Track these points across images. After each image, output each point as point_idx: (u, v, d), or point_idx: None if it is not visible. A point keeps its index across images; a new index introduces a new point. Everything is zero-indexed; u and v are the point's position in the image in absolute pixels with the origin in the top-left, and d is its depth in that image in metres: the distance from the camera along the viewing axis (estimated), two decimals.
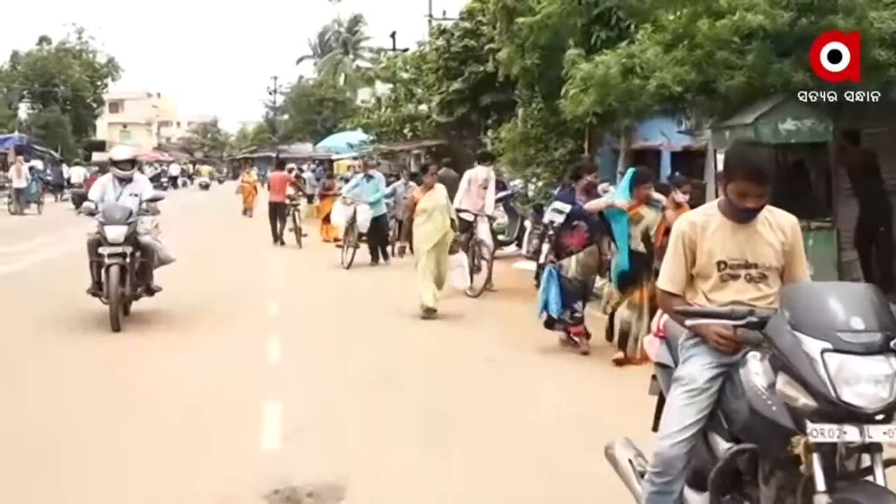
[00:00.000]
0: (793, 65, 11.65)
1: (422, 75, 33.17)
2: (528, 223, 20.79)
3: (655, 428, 5.40)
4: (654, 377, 5.59)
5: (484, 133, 26.97)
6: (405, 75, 36.03)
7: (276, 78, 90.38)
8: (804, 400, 3.96)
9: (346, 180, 26.11)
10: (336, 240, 21.92)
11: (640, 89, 12.82)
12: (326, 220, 24.55)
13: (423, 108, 33.51)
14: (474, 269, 15.52)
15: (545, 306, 10.87)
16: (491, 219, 16.86)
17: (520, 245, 20.52)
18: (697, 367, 4.66)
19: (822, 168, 13.20)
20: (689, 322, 4.58)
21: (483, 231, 15.99)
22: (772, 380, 4.24)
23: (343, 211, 20.47)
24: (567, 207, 10.86)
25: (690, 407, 4.63)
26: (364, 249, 20.50)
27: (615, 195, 10.72)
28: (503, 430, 7.81)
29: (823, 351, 3.91)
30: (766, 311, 4.39)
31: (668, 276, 4.81)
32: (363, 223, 20.07)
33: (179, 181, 71.23)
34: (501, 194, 20.22)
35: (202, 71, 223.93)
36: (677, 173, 13.76)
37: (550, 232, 11.10)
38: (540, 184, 22.26)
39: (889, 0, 11.43)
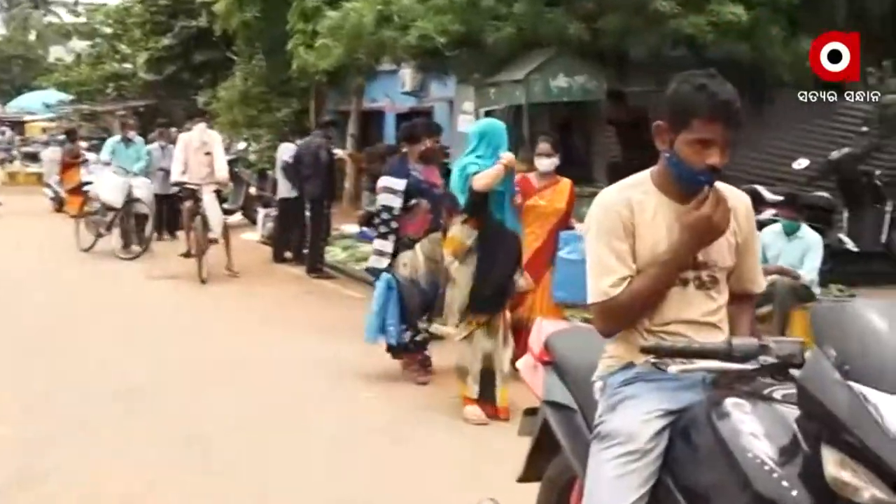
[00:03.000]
0: (566, 15, 10.42)
1: (127, 30, 30.12)
2: (252, 190, 18.91)
3: (524, 478, 4.03)
4: (527, 412, 4.12)
5: (197, 92, 24.75)
6: (107, 30, 32.70)
7: None
8: (875, 492, 2.43)
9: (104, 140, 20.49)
10: (82, 214, 16.15)
11: (396, 41, 11.23)
12: (74, 192, 18.34)
13: (129, 65, 30.50)
14: (200, 250, 12.84)
15: (381, 329, 7.59)
16: (221, 187, 13.60)
17: (246, 214, 18.54)
18: (637, 419, 3.07)
19: (586, 129, 12.17)
20: (674, 368, 2.93)
21: (210, 203, 12.99)
22: (783, 445, 2.72)
23: (116, 185, 14.88)
24: (401, 183, 7.50)
25: (631, 477, 3.04)
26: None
27: (464, 163, 6.66)
28: (289, 465, 5.95)
29: None
30: (790, 346, 2.84)
31: (608, 280, 3.08)
32: (148, 199, 15.15)
33: None
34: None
35: None
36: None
37: (384, 222, 7.56)
38: (262, 146, 20.61)
39: None
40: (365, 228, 15.67)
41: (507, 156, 6.52)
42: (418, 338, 7.64)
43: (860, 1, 10.66)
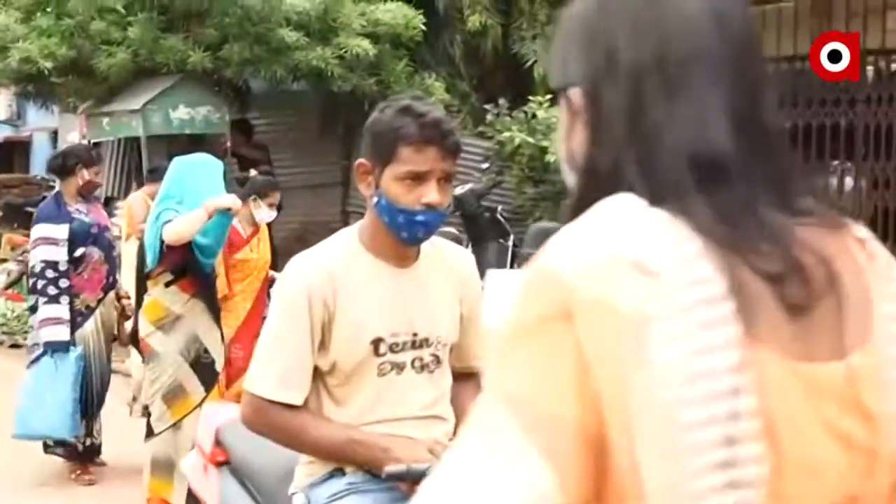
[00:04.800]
0: (186, 42, 9.61)
1: None
2: None
3: None
4: None
5: None
6: None
7: None
8: None
9: None
10: None
11: None
12: None
13: None
14: None
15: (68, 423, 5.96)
16: None
17: None
18: None
19: None
20: None
21: None
22: None
23: None
24: (63, 230, 5.94)
25: None
26: None
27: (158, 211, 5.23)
28: None
29: None
30: None
31: (278, 373, 2.43)
32: None
33: None
34: None
35: None
36: (254, 172, 8.48)
37: (51, 281, 5.93)
38: None
39: None
40: None
41: (220, 200, 5.09)
42: (94, 436, 6.21)
43: (474, 44, 10.83)
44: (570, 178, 1.17)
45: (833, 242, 1.10)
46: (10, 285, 11.96)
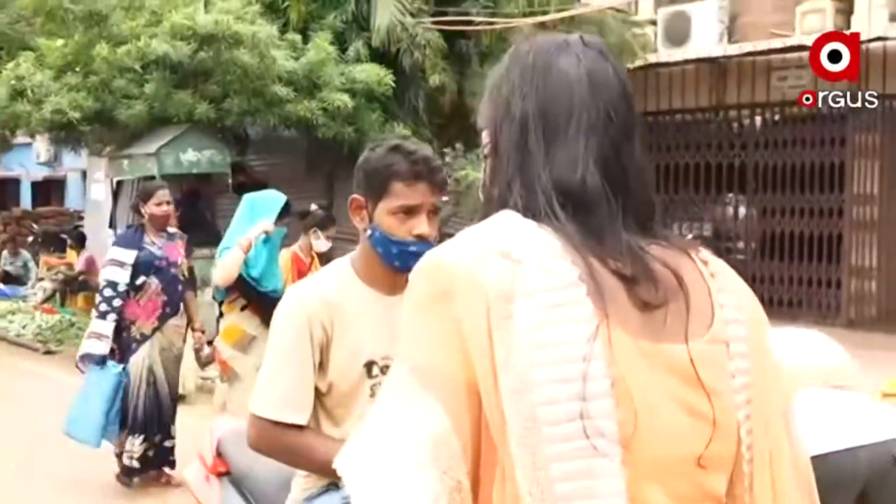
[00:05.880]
0: (193, 96, 11.16)
1: None
2: None
3: None
4: None
5: None
6: None
7: None
8: None
9: None
10: None
11: (30, 115, 11.43)
12: None
13: None
14: None
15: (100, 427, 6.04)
16: None
17: None
18: None
19: (212, 196, 12.89)
20: None
21: None
22: None
23: None
24: (130, 255, 6.05)
25: None
26: None
27: (221, 247, 5.68)
28: None
29: None
30: None
31: (282, 394, 2.44)
32: None
33: None
34: None
35: None
36: (314, 206, 8.35)
37: (106, 299, 6.04)
38: None
39: (285, 42, 11.37)
40: (2, 286, 15.51)
41: (252, 231, 5.51)
42: (153, 450, 6.21)
43: (435, 98, 12.33)
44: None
45: (681, 260, 1.28)
46: (45, 300, 13.59)
